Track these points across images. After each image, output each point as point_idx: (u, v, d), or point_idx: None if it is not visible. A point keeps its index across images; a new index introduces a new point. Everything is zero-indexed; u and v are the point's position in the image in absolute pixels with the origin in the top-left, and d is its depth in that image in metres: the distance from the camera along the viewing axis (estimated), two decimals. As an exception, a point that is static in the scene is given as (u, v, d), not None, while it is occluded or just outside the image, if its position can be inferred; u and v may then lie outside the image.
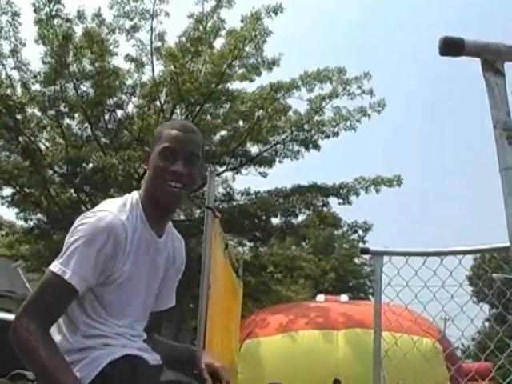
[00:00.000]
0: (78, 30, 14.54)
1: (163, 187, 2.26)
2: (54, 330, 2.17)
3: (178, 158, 2.27)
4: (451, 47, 1.54)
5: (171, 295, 2.64)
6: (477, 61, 1.55)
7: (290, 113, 15.50)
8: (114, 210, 2.23)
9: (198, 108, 14.94)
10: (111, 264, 2.17)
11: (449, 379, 6.37)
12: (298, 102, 15.54)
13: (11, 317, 6.86)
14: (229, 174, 16.86)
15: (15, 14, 13.99)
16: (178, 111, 15.38)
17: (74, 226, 2.20)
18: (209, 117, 15.86)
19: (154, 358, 2.29)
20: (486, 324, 38.62)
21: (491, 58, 1.53)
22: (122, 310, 2.27)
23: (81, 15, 14.66)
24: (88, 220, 2.18)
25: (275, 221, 16.17)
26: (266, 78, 15.35)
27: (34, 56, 14.77)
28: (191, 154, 2.32)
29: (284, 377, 8.41)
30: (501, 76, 1.52)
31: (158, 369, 2.28)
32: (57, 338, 2.16)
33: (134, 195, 2.36)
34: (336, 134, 15.36)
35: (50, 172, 15.50)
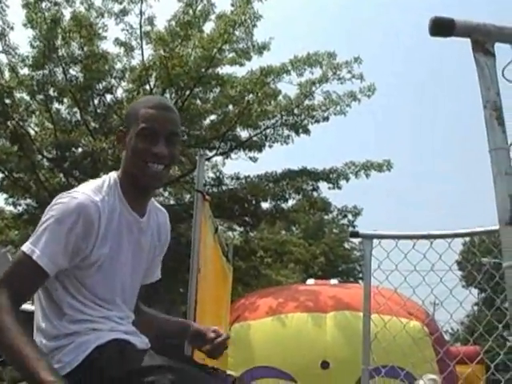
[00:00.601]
0: (67, 13, 14.44)
1: (145, 169, 2.22)
2: (39, 316, 2.17)
3: (159, 139, 2.23)
4: (441, 28, 1.54)
5: (157, 269, 2.62)
6: (467, 41, 1.55)
7: (280, 97, 15.46)
8: (88, 191, 2.20)
9: (187, 92, 14.88)
10: (84, 245, 2.12)
11: (436, 362, 6.44)
12: (288, 87, 15.52)
13: None
14: (219, 158, 16.85)
15: (1, -3, 13.88)
16: (167, 95, 15.31)
17: (49, 206, 2.17)
18: (198, 101, 15.82)
19: (141, 341, 2.26)
20: (475, 308, 38.95)
21: (481, 38, 1.53)
22: (108, 292, 2.23)
23: (69, -1, 14.55)
24: (61, 200, 2.15)
25: (265, 205, 16.19)
26: (256, 63, 15.32)
27: (23, 40, 14.68)
28: (172, 133, 2.28)
29: (273, 360, 8.45)
30: (491, 56, 1.52)
31: (147, 352, 2.22)
32: (41, 324, 2.14)
33: (112, 175, 2.32)
34: (326, 119, 15.34)
35: (39, 157, 15.42)
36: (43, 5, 13.98)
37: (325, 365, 8.25)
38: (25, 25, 14.20)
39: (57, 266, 2.08)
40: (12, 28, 14.25)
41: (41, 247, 2.05)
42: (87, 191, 2.20)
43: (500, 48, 1.55)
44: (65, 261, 2.09)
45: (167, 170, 2.29)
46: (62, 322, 2.11)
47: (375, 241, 3.88)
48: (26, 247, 2.07)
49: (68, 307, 2.13)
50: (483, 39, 1.53)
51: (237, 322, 8.90)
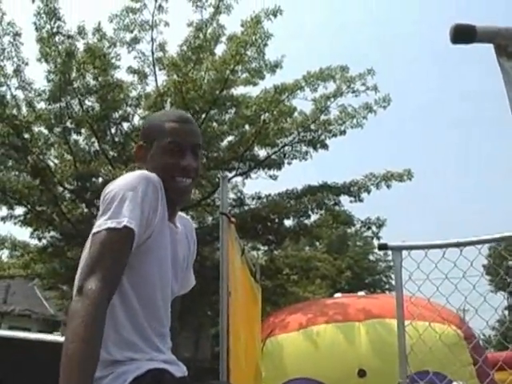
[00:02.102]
0: (80, 45, 14.60)
1: (174, 184, 2.20)
2: None
3: (186, 152, 2.22)
4: (463, 35, 1.53)
5: (191, 276, 2.60)
6: (489, 46, 1.54)
7: (296, 114, 15.46)
8: None
9: (203, 115, 14.93)
10: (153, 220, 2.07)
11: (475, 371, 6.38)
12: (303, 103, 15.54)
13: (31, 336, 6.89)
14: (238, 179, 16.88)
15: (17, 34, 14.04)
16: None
17: (105, 192, 2.08)
18: (215, 123, 15.86)
19: (179, 370, 2.22)
20: (506, 312, 38.51)
21: (504, 42, 1.51)
22: (154, 301, 2.17)
23: (81, 31, 14.71)
24: (120, 179, 2.11)
25: (288, 223, 16.15)
26: (269, 81, 15.37)
27: (38, 74, 14.85)
28: (196, 145, 2.29)
29: (308, 371, 8.39)
30: (515, 60, 1.50)
31: (184, 381, 2.21)
32: None
33: None
34: (343, 133, 15.32)
35: (61, 189, 15.50)
36: (56, 38, 14.13)
37: (362, 373, 8.18)
38: (39, 59, 14.36)
39: (140, 235, 2.00)
40: (27, 64, 14.42)
41: (125, 215, 1.96)
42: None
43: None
44: (142, 231, 2.02)
45: (194, 183, 2.29)
46: (109, 342, 2.01)
47: (404, 252, 3.85)
48: (108, 224, 1.95)
49: (118, 318, 2.06)
50: (506, 43, 1.51)
51: (268, 338, 8.88)
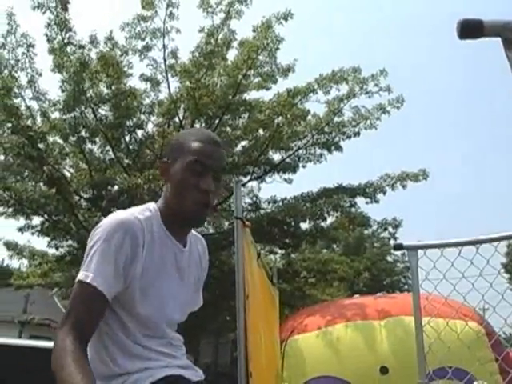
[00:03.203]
0: (92, 54, 14.69)
1: (191, 205, 2.16)
2: (93, 356, 2.08)
3: (207, 174, 2.17)
4: (470, 30, 1.52)
5: (199, 296, 2.55)
6: (497, 40, 1.53)
7: (309, 117, 15.49)
8: (130, 210, 2.19)
9: (217, 121, 14.98)
10: (133, 267, 2.08)
11: (498, 370, 6.35)
12: (316, 106, 15.57)
13: (51, 344, 6.91)
14: (254, 183, 16.92)
15: (30, 46, 14.15)
16: (197, 125, 15.42)
17: (92, 231, 2.13)
18: (228, 128, 15.90)
19: (196, 375, 2.23)
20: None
21: (512, 36, 1.50)
22: (158, 323, 2.20)
23: (93, 40, 14.80)
24: (102, 223, 2.12)
25: (304, 226, 16.11)
26: (282, 85, 15.38)
27: (51, 84, 14.93)
28: (220, 169, 2.24)
29: (329, 369, 8.40)
30: (523, 54, 1.49)
31: None
32: (93, 364, 2.02)
33: (152, 205, 2.27)
34: (357, 134, 15.31)
35: (77, 198, 15.59)
36: (68, 49, 14.22)
37: (384, 370, 8.17)
38: (52, 70, 14.44)
39: (111, 287, 2.02)
40: (40, 74, 14.52)
41: (93, 269, 2.00)
42: (129, 211, 2.19)
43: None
44: (118, 283, 2.04)
45: (211, 207, 2.24)
46: (114, 361, 2.06)
47: (420, 252, 3.82)
48: (79, 276, 2.01)
49: (118, 345, 2.09)
50: (514, 37, 1.50)
51: (289, 338, 8.89)
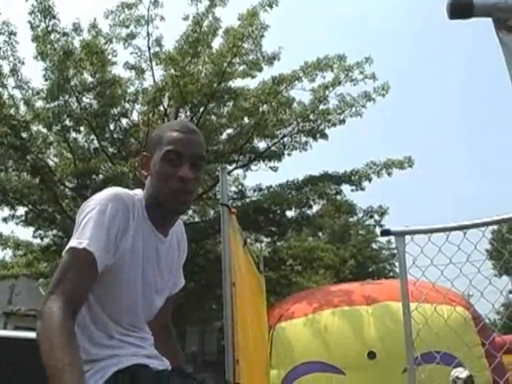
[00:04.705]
0: (76, 42, 14.57)
1: (170, 194, 2.16)
2: None
3: (184, 162, 2.17)
4: (460, 10, 1.50)
5: (181, 276, 2.55)
6: (488, 21, 1.51)
7: (295, 105, 15.48)
8: (120, 188, 2.20)
9: (201, 109, 14.93)
10: (124, 240, 2.07)
11: (484, 354, 6.40)
12: (302, 94, 15.55)
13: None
14: (239, 171, 16.91)
15: (12, 34, 14.00)
16: (182, 114, 15.37)
17: (81, 208, 2.10)
18: (213, 117, 15.86)
19: (162, 364, 2.23)
20: (511, 297, 38.51)
21: (503, 16, 1.48)
22: (131, 311, 2.19)
23: (77, 28, 14.68)
24: (94, 197, 2.11)
25: (290, 213, 16.13)
26: (267, 73, 15.36)
27: (35, 73, 14.82)
28: (197, 157, 2.22)
29: (318, 354, 8.50)
30: (515, 33, 1.47)
31: (163, 374, 2.18)
32: None
33: (139, 192, 2.28)
34: (342, 122, 15.33)
35: (61, 187, 15.50)
36: (52, 36, 14.10)
37: (371, 355, 8.25)
38: (36, 57, 14.32)
39: (104, 258, 1.99)
40: (23, 63, 14.39)
41: (87, 236, 1.97)
42: (120, 188, 2.20)
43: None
44: (109, 254, 2.02)
45: (192, 195, 2.24)
46: (82, 348, 1.98)
47: (407, 237, 3.82)
48: (71, 243, 1.98)
49: (91, 330, 2.07)
50: (505, 16, 1.48)
51: (277, 323, 8.94)
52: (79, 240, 1.97)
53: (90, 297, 2.05)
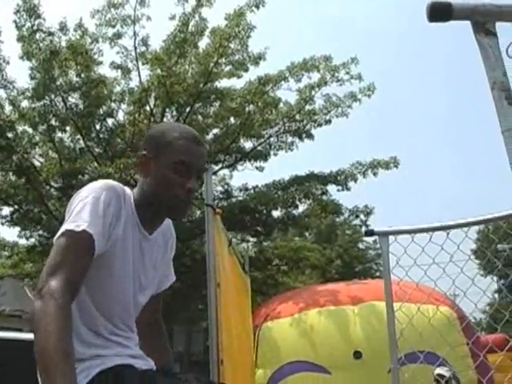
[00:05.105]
0: (62, 42, 14.51)
1: (173, 201, 2.18)
2: None
3: (192, 174, 2.19)
4: (440, 13, 1.52)
5: (170, 272, 2.55)
6: (467, 23, 1.52)
7: (281, 105, 15.51)
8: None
9: (188, 109, 14.93)
10: (116, 229, 2.07)
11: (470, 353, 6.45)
12: (288, 94, 15.56)
13: (23, 336, 6.84)
14: (225, 171, 16.91)
15: (-4, 34, 13.93)
16: (168, 114, 15.36)
17: (73, 197, 2.10)
18: (200, 116, 15.85)
19: (146, 364, 2.23)
20: (496, 296, 38.72)
21: (482, 19, 1.50)
22: (117, 308, 2.17)
23: (63, 27, 14.62)
24: (85, 187, 2.11)
25: (276, 213, 16.14)
26: (253, 73, 15.36)
27: (20, 72, 14.76)
28: (203, 170, 2.29)
29: (304, 354, 8.49)
30: (493, 36, 1.49)
31: (148, 373, 2.18)
32: None
33: (127, 189, 2.26)
34: (328, 122, 15.38)
35: (47, 187, 15.44)
36: (37, 36, 14.05)
37: (357, 355, 8.27)
38: (21, 57, 14.25)
39: (101, 242, 1.98)
40: (8, 62, 14.32)
41: (85, 219, 1.96)
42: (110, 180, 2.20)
43: (501, 27, 1.53)
44: (104, 239, 2.01)
45: (191, 205, 2.29)
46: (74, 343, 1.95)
47: (391, 237, 3.84)
48: (67, 226, 1.96)
49: (78, 326, 2.04)
50: (483, 20, 1.50)
51: (263, 323, 8.95)
52: (76, 223, 1.95)
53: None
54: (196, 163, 2.20)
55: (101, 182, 2.12)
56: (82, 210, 1.99)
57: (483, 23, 1.50)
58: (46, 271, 1.87)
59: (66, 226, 1.97)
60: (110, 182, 2.16)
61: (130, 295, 2.21)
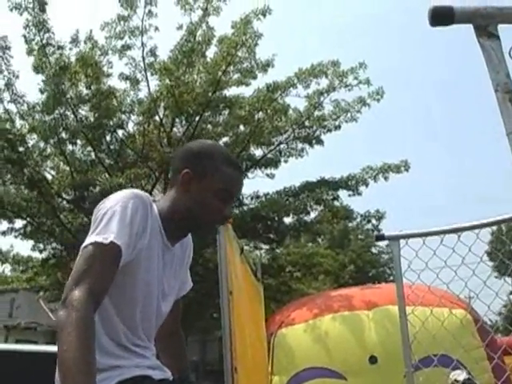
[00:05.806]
0: (72, 54, 14.61)
1: (209, 224, 2.26)
2: None
3: (231, 202, 2.25)
4: (441, 17, 1.52)
5: (188, 279, 2.57)
6: (469, 27, 1.53)
7: (290, 111, 15.51)
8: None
9: (197, 118, 14.95)
10: (142, 239, 2.06)
11: (486, 356, 6.41)
12: (297, 100, 15.59)
13: (38, 348, 6.87)
14: (236, 179, 16.86)
15: (6, 48, 14.04)
16: (177, 123, 15.40)
17: (99, 206, 2.09)
18: (209, 125, 15.88)
19: (163, 374, 2.23)
20: (511, 297, 38.50)
21: (483, 22, 1.51)
22: (137, 319, 2.17)
23: (74, 39, 14.71)
24: (112, 196, 2.11)
25: (288, 220, 16.13)
26: (261, 81, 15.39)
27: (29, 86, 14.85)
28: (238, 195, 2.39)
29: (319, 360, 8.46)
30: (495, 39, 1.50)
31: (167, 383, 2.19)
32: None
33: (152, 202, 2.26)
34: (338, 127, 15.37)
35: (59, 200, 15.50)
36: (47, 50, 14.14)
37: (373, 360, 8.23)
38: (34, 71, 14.34)
39: (126, 252, 1.98)
40: (17, 77, 14.42)
41: (113, 230, 1.95)
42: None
43: (503, 29, 1.53)
44: (129, 249, 2.00)
45: None
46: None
47: (402, 241, 3.83)
48: (95, 238, 1.94)
49: (99, 336, 2.02)
50: (485, 23, 1.51)
51: (278, 330, 8.93)
52: (104, 235, 1.94)
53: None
54: (237, 193, 2.28)
55: (128, 192, 2.13)
56: (110, 221, 1.99)
57: (485, 26, 1.50)
58: (71, 281, 1.88)
59: (94, 237, 1.96)
60: (137, 191, 2.16)
61: (154, 304, 2.22)
